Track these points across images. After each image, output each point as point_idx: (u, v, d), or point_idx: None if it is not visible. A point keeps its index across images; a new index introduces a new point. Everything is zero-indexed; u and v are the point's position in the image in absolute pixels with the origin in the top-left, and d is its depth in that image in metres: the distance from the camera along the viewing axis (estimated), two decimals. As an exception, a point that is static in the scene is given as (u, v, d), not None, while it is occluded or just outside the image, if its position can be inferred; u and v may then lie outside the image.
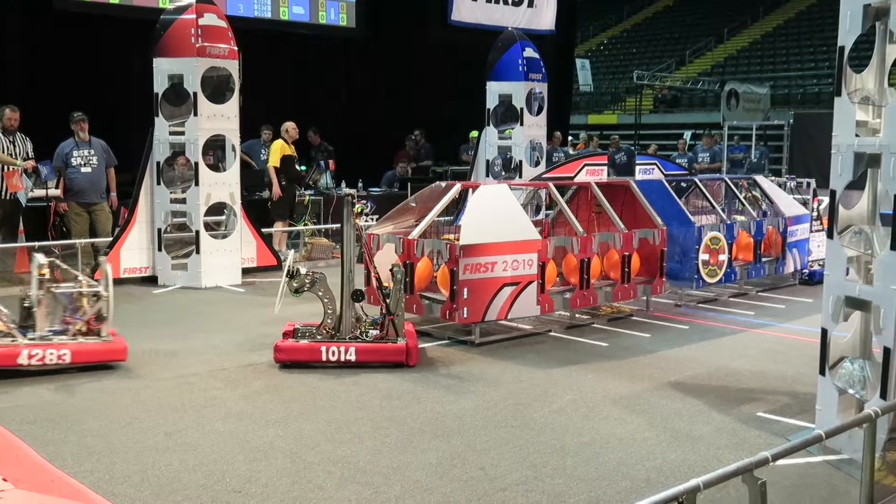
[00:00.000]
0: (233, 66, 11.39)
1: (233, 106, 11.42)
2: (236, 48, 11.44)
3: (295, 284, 7.71)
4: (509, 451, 5.62)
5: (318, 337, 7.68)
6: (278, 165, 13.24)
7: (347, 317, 7.71)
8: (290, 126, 13.38)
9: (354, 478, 5.15)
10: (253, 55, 13.74)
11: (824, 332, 5.65)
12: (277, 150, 13.28)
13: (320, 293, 7.78)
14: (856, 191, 5.75)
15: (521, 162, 14.46)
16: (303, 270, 7.78)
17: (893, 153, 5.12)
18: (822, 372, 5.69)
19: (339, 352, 7.52)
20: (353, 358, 7.48)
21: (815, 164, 19.79)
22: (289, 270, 7.73)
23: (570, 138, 22.50)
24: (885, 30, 5.40)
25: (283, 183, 13.24)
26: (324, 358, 7.52)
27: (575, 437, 5.90)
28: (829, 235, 5.65)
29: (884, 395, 5.11)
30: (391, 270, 7.78)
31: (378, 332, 7.69)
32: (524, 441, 5.80)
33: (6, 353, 6.99)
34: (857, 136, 5.48)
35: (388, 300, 7.64)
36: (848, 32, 5.48)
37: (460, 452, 5.58)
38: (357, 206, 7.86)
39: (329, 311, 7.77)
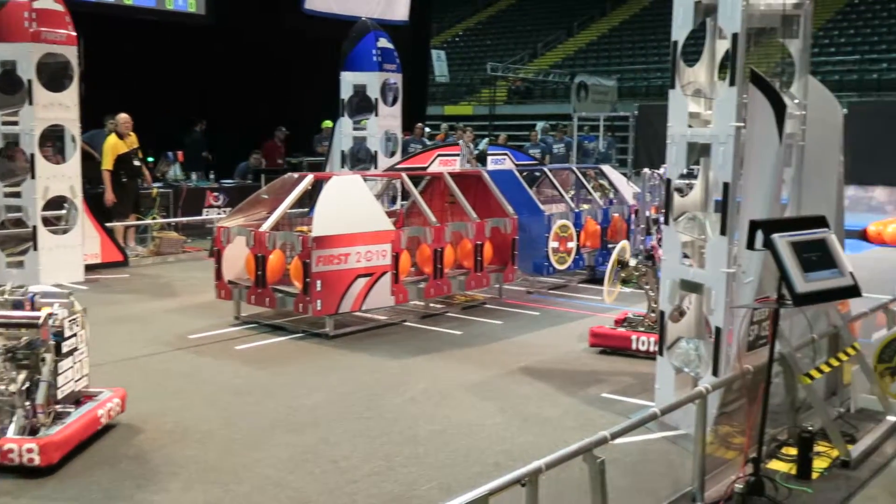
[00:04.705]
0: (72, 53, 10.85)
1: (72, 94, 10.88)
2: (75, 34, 10.91)
3: (623, 275, 7.79)
4: (362, 442, 5.62)
5: (641, 328, 7.84)
6: (111, 168, 12.44)
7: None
8: (122, 119, 12.51)
9: (202, 477, 5.02)
10: (96, 41, 13.16)
11: (661, 315, 5.91)
12: (109, 151, 12.40)
13: (647, 286, 7.83)
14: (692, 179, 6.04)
15: (376, 153, 14.43)
16: (632, 262, 7.79)
17: (722, 143, 5.39)
18: (661, 352, 5.96)
19: (649, 343, 7.56)
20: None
21: (657, 153, 20.65)
22: (618, 260, 7.77)
23: (427, 129, 22.61)
24: (715, 26, 5.67)
25: (124, 180, 12.63)
26: (633, 347, 7.72)
27: (427, 425, 5.96)
28: (666, 222, 5.90)
29: (716, 373, 5.40)
30: None
31: None
32: (377, 432, 5.81)
33: None
34: (690, 126, 5.74)
35: None
36: (680, 27, 5.74)
37: (313, 446, 5.54)
38: None
39: (654, 306, 7.61)
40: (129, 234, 13.17)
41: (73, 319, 5.53)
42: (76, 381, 5.61)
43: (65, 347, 5.41)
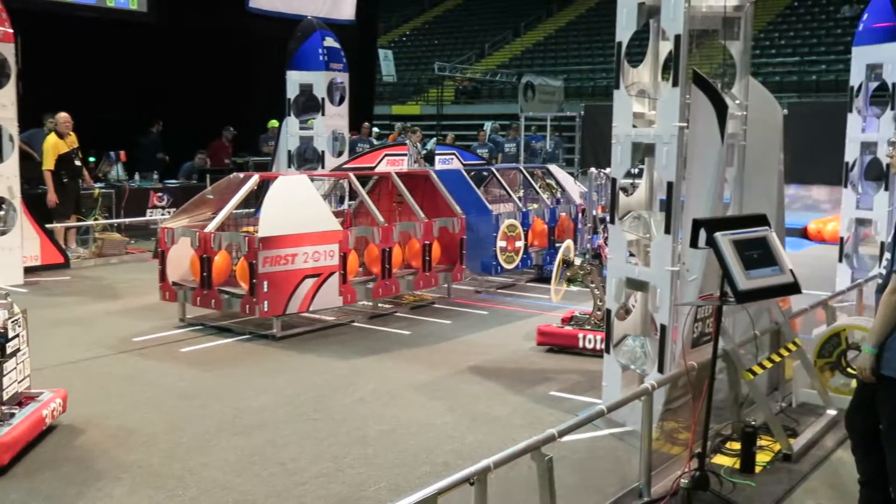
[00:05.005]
0: (8, 50, 10.59)
1: (9, 93, 10.62)
2: (12, 31, 10.65)
3: (568, 274, 7.82)
4: (310, 444, 5.58)
5: (587, 326, 7.89)
6: (53, 168, 12.17)
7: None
8: (61, 118, 12.28)
9: (146, 482, 4.94)
10: (34, 39, 12.87)
11: (608, 313, 5.97)
12: (51, 151, 12.15)
13: (592, 284, 7.87)
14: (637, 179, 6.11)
15: (323, 152, 14.34)
16: (577, 261, 7.85)
17: (666, 143, 5.46)
18: (608, 350, 6.01)
19: (595, 341, 7.64)
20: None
21: (603, 153, 20.87)
22: (563, 259, 7.80)
23: (375, 129, 22.55)
24: (658, 27, 5.74)
25: (66, 180, 12.37)
26: (580, 345, 7.78)
27: (376, 425, 5.94)
28: (612, 221, 5.96)
29: (661, 370, 5.47)
30: None
31: None
32: (325, 433, 5.77)
33: None
34: (634, 126, 5.80)
35: None
36: (624, 29, 5.79)
37: (260, 448, 5.48)
38: None
39: (600, 304, 7.70)
40: (69, 235, 12.90)
41: (15, 320, 5.47)
42: (19, 382, 5.55)
43: (8, 348, 5.35)
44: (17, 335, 5.48)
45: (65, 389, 5.93)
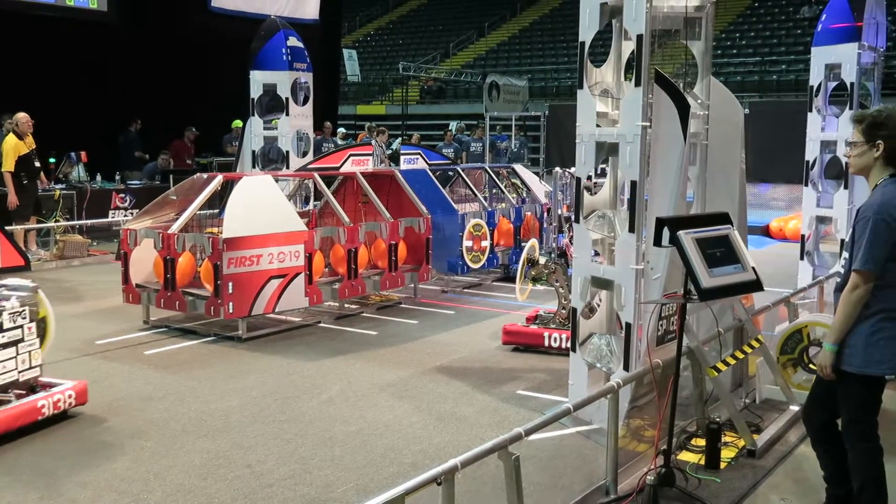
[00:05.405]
0: (-35, 50, 10.43)
1: (-34, 93, 10.46)
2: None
3: (533, 273, 7.83)
4: (277, 445, 5.55)
5: (552, 325, 7.89)
6: (13, 170, 12.00)
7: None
8: (21, 118, 12.11)
9: (111, 486, 4.88)
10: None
11: (574, 312, 6.00)
12: (11, 152, 11.98)
13: (556, 283, 7.90)
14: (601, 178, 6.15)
15: (287, 153, 14.26)
16: (541, 260, 7.88)
17: (629, 142, 5.50)
18: (574, 348, 6.04)
19: (561, 339, 7.65)
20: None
21: (568, 153, 20.99)
22: (527, 259, 7.82)
23: (340, 129, 22.46)
24: (621, 27, 5.78)
25: (25, 182, 12.18)
26: (546, 344, 7.79)
27: (343, 426, 5.92)
28: (576, 220, 5.99)
29: (627, 367, 5.50)
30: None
31: None
32: (292, 435, 5.74)
33: None
34: (598, 126, 5.83)
35: None
36: (588, 29, 5.82)
37: (226, 451, 5.44)
38: None
39: (564, 303, 7.73)
40: (30, 237, 12.72)
41: (20, 312, 5.63)
42: (20, 371, 5.71)
43: (6, 338, 5.58)
44: (20, 326, 5.65)
45: (85, 381, 6.14)
